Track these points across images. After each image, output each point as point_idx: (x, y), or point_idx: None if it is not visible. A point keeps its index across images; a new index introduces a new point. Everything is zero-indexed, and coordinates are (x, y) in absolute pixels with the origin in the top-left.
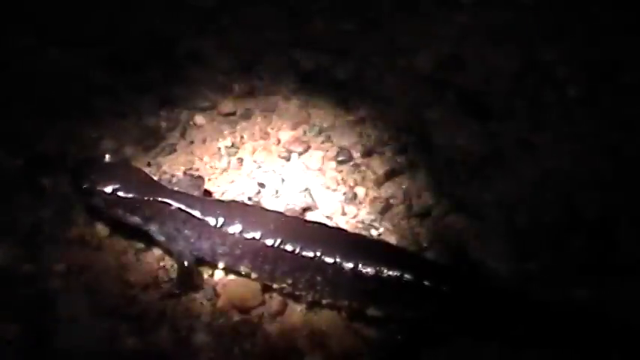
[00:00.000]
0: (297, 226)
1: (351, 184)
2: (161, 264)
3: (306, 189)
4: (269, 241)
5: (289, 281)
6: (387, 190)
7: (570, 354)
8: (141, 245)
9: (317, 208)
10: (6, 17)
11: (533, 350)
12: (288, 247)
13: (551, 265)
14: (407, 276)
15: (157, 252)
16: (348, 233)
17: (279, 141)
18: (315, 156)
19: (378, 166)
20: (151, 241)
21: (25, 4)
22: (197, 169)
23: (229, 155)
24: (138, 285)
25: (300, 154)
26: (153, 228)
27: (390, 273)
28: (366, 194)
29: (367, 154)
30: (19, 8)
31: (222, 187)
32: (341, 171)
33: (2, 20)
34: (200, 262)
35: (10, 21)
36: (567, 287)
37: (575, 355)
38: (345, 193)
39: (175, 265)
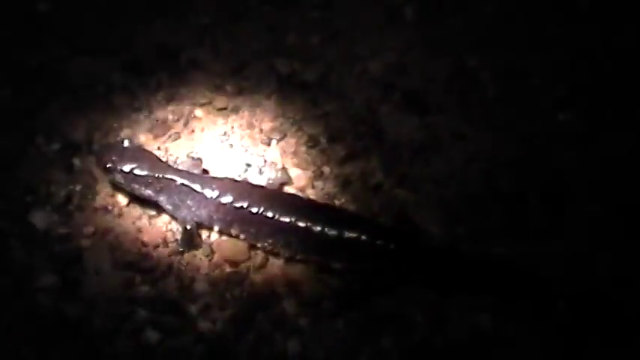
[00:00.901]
0: (276, 197)
1: (319, 164)
2: (169, 227)
3: (283, 168)
4: (254, 209)
5: (270, 241)
6: (347, 169)
7: (488, 299)
8: (153, 212)
9: (292, 183)
10: (41, 30)
11: (462, 297)
12: (269, 214)
13: (476, 228)
14: (363, 237)
15: (165, 218)
16: (317, 203)
17: (261, 130)
18: (290, 142)
19: (340, 150)
20: (160, 210)
21: (57, 21)
22: (197, 153)
23: (222, 141)
24: (150, 244)
25: (278, 140)
26: (162, 199)
27: (350, 234)
28: (331, 172)
29: (331, 140)
30: (53, 23)
31: (216, 167)
32: (310, 154)
33: (38, 33)
34: (199, 226)
35: (44, 34)
36: (489, 247)
37: (493, 300)
38: (314, 171)
39: (180, 229)
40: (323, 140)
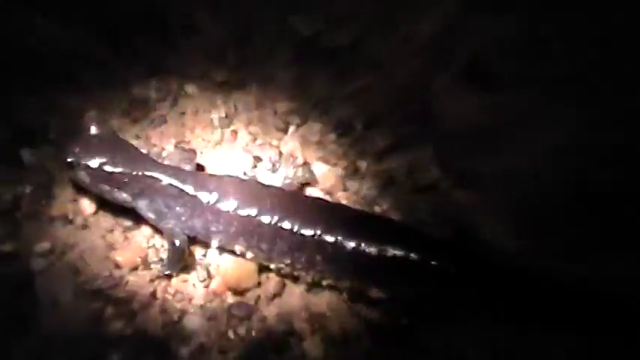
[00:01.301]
0: (296, 202)
1: (352, 158)
2: (150, 243)
3: (305, 163)
4: (265, 219)
5: (287, 261)
6: (390, 163)
7: (568, 333)
8: (129, 223)
9: (316, 184)
10: None
11: (532, 329)
12: (286, 225)
13: (557, 242)
14: (412, 255)
15: (145, 230)
16: (350, 209)
17: (275, 112)
18: (313, 128)
19: (379, 138)
20: (139, 219)
21: None
22: (189, 142)
23: (223, 127)
24: (126, 265)
25: (298, 125)
26: (142, 204)
27: (395, 252)
28: (368, 168)
29: (368, 125)
30: None
31: (215, 161)
32: (341, 144)
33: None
34: (192, 241)
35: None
36: (572, 265)
37: (573, 333)
38: (345, 167)
39: (166, 245)
40: (357, 126)
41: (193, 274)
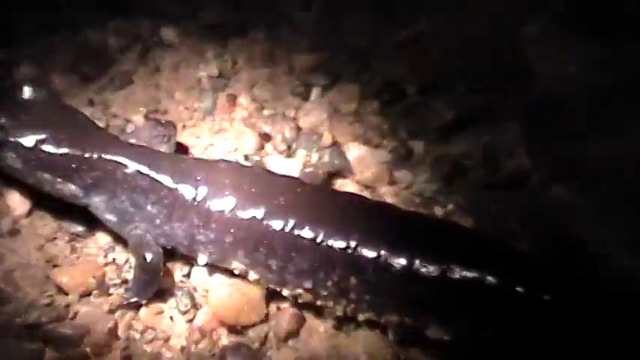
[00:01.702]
0: (320, 200)
1: (402, 137)
2: (110, 257)
3: (334, 144)
4: (276, 224)
5: (307, 285)
6: (458, 145)
7: None
8: (78, 228)
9: (351, 174)
10: None
11: None
12: (306, 233)
13: None
14: (488, 278)
15: (102, 239)
16: (399, 211)
17: (291, 69)
18: (346, 92)
19: (442, 108)
20: (94, 222)
21: None
22: (165, 112)
23: (215, 90)
24: (74, 289)
25: (325, 88)
26: (97, 201)
27: (463, 273)
28: (425, 152)
29: (425, 90)
30: None
31: (204, 139)
32: (387, 116)
33: None
34: (170, 254)
35: None
36: None
37: None
38: (393, 151)
39: (133, 260)
40: (410, 89)
41: (171, 302)
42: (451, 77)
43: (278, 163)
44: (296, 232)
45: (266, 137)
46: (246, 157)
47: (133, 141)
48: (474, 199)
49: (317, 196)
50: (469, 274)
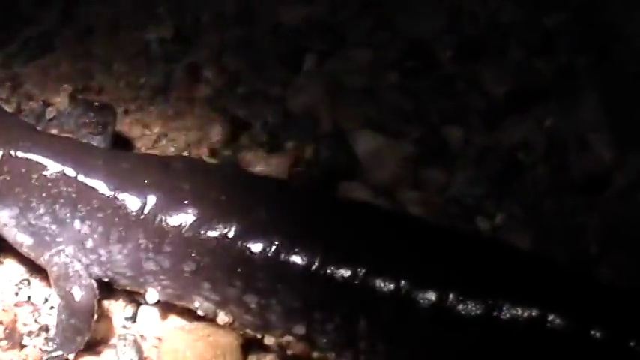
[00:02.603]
0: (317, 211)
1: (434, 122)
2: (24, 295)
3: (336, 131)
4: (256, 245)
5: (300, 330)
6: (512, 132)
7: None
8: None
9: (361, 173)
10: None
11: None
12: (298, 258)
13: None
14: (552, 318)
15: (13, 269)
16: (428, 227)
17: (275, 28)
18: (355, 59)
19: (491, 80)
20: (1, 246)
21: None
22: (100, 91)
23: (170, 59)
24: None
25: (323, 54)
26: (5, 216)
27: (519, 313)
28: (466, 142)
29: (468, 53)
30: None
31: (154, 128)
32: (412, 92)
33: None
34: (109, 289)
35: None
36: None
37: None
38: (419, 141)
39: (55, 298)
40: (446, 55)
41: (110, 356)
42: (502, 37)
43: (257, 160)
44: (283, 256)
45: (241, 124)
46: (214, 153)
47: (54, 132)
48: (534, 208)
49: (312, 207)
50: (526, 314)
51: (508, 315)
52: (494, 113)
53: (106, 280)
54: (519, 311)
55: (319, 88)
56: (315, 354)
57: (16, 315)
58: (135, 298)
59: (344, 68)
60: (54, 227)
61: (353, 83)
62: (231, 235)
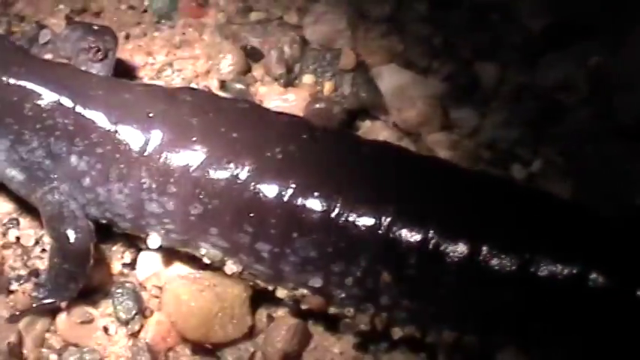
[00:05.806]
0: (337, 152)
1: (466, 57)
2: (12, 236)
3: (359, 65)
4: (270, 188)
5: (316, 283)
6: (551, 70)
7: None
8: None
9: (384, 112)
10: None
11: None
12: (316, 203)
13: None
14: (594, 276)
15: (1, 205)
16: (457, 172)
17: None
18: None
19: (530, 11)
20: None
21: None
22: (99, 13)
23: None
24: None
25: None
26: None
27: (557, 268)
28: (501, 80)
29: None
30: None
31: (158, 57)
32: (441, 24)
33: None
34: (105, 233)
35: None
36: None
37: None
38: (449, 78)
39: (47, 240)
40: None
41: (106, 306)
42: None
43: (272, 95)
44: (299, 200)
45: (254, 54)
46: (224, 85)
47: (49, 56)
48: (574, 154)
49: (331, 147)
50: (566, 271)
51: (546, 272)
52: (532, 49)
53: (104, 222)
54: (558, 268)
55: (340, 17)
56: (331, 309)
57: (3, 258)
58: (135, 243)
59: None
60: (48, 162)
61: (377, 13)
62: (242, 176)
